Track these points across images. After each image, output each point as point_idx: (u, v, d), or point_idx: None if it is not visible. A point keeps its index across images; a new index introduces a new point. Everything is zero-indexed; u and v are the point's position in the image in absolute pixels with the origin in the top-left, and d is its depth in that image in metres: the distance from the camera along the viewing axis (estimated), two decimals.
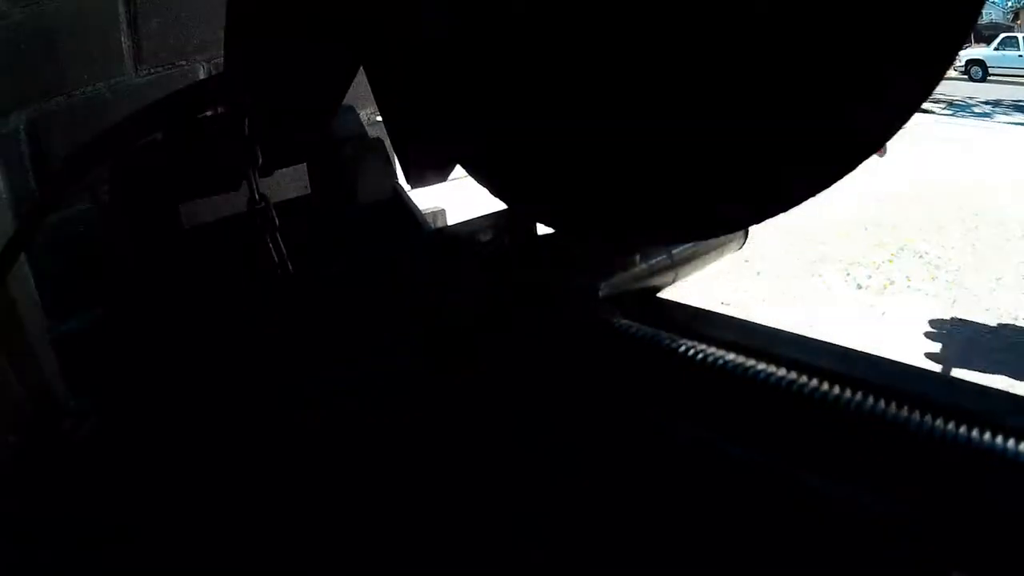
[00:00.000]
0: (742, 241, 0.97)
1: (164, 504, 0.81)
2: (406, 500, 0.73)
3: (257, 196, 0.90)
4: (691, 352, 0.64)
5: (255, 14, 0.78)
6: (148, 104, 0.98)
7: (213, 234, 1.12)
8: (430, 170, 0.93)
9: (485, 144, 0.72)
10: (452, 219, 1.80)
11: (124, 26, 1.46)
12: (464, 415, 0.75)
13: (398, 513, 0.72)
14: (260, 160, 0.90)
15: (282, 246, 0.90)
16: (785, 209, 0.54)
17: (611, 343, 0.71)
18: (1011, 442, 0.46)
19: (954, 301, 3.56)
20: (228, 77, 0.94)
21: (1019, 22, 19.30)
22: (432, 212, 1.95)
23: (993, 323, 3.35)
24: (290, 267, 0.89)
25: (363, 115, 1.33)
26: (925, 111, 9.05)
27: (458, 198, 1.67)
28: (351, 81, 0.92)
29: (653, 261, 0.83)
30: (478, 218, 0.93)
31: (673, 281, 0.88)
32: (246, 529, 0.77)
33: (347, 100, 1.09)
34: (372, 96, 0.95)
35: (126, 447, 0.91)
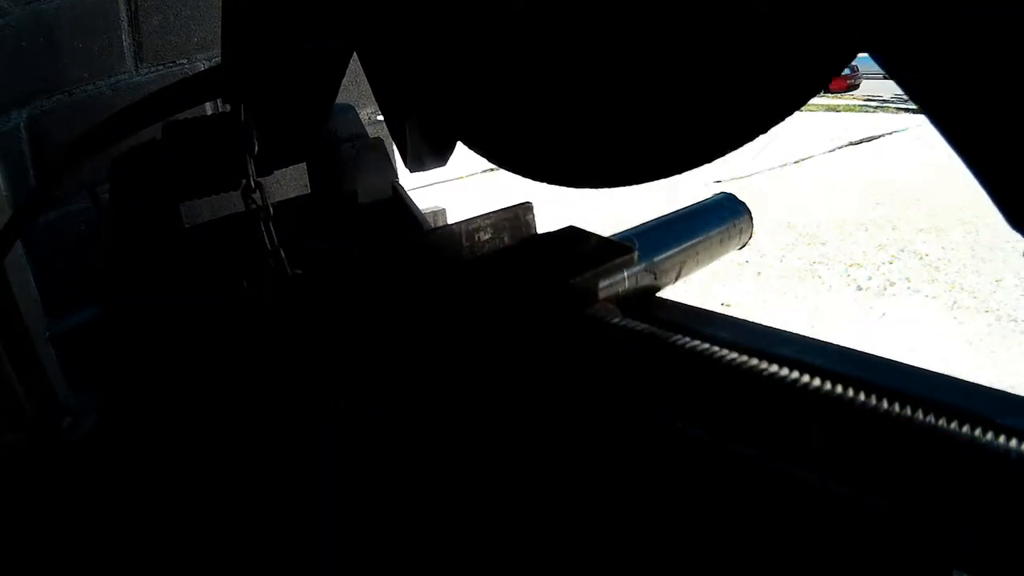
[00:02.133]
0: (744, 241, 0.97)
1: (164, 503, 0.81)
2: (408, 498, 0.73)
3: (252, 183, 0.90)
4: (691, 351, 0.64)
5: (249, 4, 0.78)
6: (148, 94, 0.98)
7: (213, 233, 1.12)
8: (428, 153, 0.92)
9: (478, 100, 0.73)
10: (452, 218, 1.81)
11: (125, 24, 1.46)
12: (464, 413, 0.75)
13: (399, 512, 0.72)
14: (256, 147, 0.90)
15: (274, 234, 0.90)
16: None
17: (612, 342, 0.71)
18: (1011, 442, 0.46)
19: (954, 303, 3.56)
20: (225, 68, 0.93)
21: None
22: (432, 211, 1.95)
23: (993, 324, 3.35)
24: (283, 256, 0.89)
25: (363, 115, 1.33)
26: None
27: (458, 198, 1.67)
28: (344, 69, 0.92)
29: (655, 261, 0.83)
30: (478, 217, 0.93)
31: (675, 280, 0.88)
32: (245, 529, 0.77)
33: (348, 100, 1.09)
34: (372, 96, 0.95)
35: (127, 446, 0.91)
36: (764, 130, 0.58)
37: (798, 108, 0.55)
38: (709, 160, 0.67)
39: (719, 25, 0.51)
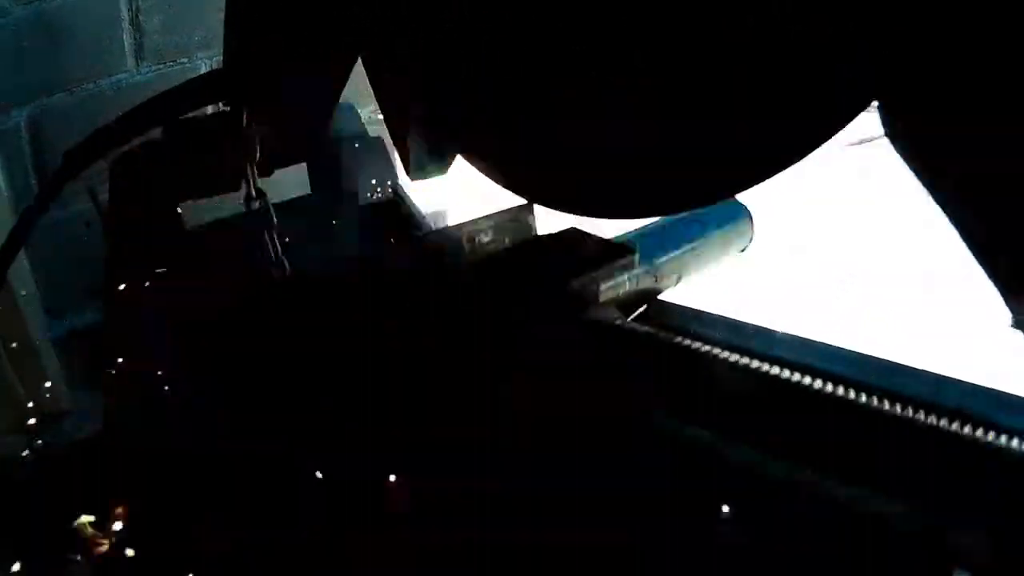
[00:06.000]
0: (745, 244, 0.97)
1: (166, 505, 0.81)
2: (411, 494, 0.73)
3: (255, 193, 0.90)
4: (691, 353, 0.64)
5: (254, 8, 0.78)
6: (148, 99, 0.98)
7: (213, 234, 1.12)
8: (430, 161, 0.92)
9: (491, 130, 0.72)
10: (453, 220, 1.80)
11: (126, 23, 1.45)
12: (468, 413, 0.75)
13: (400, 511, 0.72)
14: (258, 155, 0.90)
15: (277, 243, 0.89)
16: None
17: (612, 343, 0.71)
18: (1012, 442, 0.47)
19: None
20: (227, 73, 0.93)
21: None
22: (433, 213, 1.95)
23: (993, 324, 3.34)
24: (286, 264, 0.89)
25: (363, 113, 1.33)
26: None
27: (459, 199, 1.67)
28: (348, 74, 0.91)
29: (656, 263, 0.84)
30: (479, 219, 0.92)
31: (675, 283, 0.88)
32: (246, 530, 0.77)
33: (347, 98, 1.08)
34: (372, 94, 0.95)
35: (127, 448, 0.91)
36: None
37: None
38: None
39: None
